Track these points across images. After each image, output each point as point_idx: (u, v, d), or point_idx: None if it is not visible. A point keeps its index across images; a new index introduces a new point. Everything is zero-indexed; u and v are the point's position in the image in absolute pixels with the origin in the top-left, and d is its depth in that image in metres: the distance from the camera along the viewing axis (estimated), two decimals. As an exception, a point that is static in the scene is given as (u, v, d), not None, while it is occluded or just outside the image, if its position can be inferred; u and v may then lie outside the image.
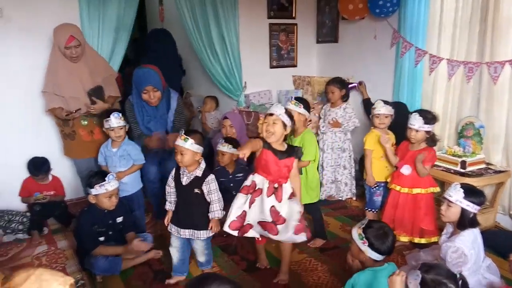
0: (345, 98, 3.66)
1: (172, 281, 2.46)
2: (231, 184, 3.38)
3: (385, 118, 2.97)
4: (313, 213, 2.87)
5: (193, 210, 2.36)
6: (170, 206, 2.44)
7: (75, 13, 3.37)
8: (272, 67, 4.60)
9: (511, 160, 3.01)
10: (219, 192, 2.38)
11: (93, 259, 2.45)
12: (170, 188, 2.42)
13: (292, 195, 2.33)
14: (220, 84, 4.34)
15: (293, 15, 4.56)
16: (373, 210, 3.12)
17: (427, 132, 2.67)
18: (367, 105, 3.74)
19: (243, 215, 2.35)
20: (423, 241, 2.71)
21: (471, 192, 2.10)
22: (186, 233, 2.38)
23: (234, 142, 3.28)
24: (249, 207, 2.34)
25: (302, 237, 2.31)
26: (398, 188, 2.78)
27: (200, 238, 2.38)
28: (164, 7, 4.83)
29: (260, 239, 2.50)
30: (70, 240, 3.02)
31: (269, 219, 2.28)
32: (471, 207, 2.08)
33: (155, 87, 2.88)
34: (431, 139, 2.71)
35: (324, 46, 4.67)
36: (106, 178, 2.48)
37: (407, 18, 3.51)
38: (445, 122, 3.38)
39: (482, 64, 3.10)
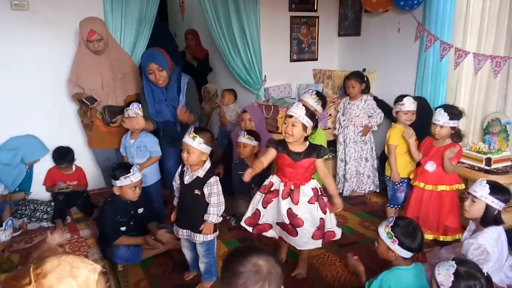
0: (366, 90, 3.61)
1: (188, 276, 2.48)
2: (250, 178, 3.39)
3: (412, 115, 2.90)
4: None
5: (191, 211, 2.25)
6: (176, 202, 2.39)
7: (99, 6, 3.42)
8: (292, 60, 4.57)
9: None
10: (221, 196, 2.24)
11: (115, 248, 2.51)
12: (176, 184, 2.35)
13: (314, 199, 2.27)
14: (240, 78, 4.33)
15: (315, 8, 4.50)
16: (395, 206, 3.07)
17: (452, 128, 2.60)
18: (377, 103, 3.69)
19: (257, 213, 2.39)
20: (448, 238, 2.67)
21: (497, 189, 2.06)
22: (184, 233, 2.31)
23: (255, 135, 3.29)
24: (263, 207, 2.37)
25: (317, 243, 2.31)
26: (422, 185, 2.72)
27: (195, 240, 2.27)
28: (185, 0, 4.84)
29: (277, 238, 2.48)
30: (92, 229, 3.10)
31: (287, 221, 2.28)
32: (496, 204, 2.04)
33: (159, 66, 2.79)
34: (457, 135, 2.65)
35: (346, 39, 4.60)
36: (131, 170, 2.53)
37: (432, 11, 3.42)
38: (470, 118, 3.29)
39: (510, 58, 2.99)
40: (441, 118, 2.58)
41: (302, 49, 4.60)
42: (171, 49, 4.14)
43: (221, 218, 2.29)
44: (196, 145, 2.14)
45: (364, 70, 4.07)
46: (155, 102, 2.95)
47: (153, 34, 3.76)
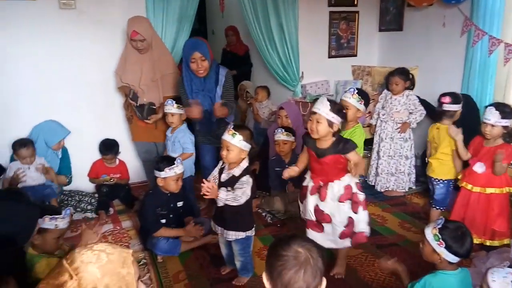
0: (411, 87, 3.50)
1: (224, 270, 2.50)
2: (287, 174, 3.38)
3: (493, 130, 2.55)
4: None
5: (224, 209, 2.19)
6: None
7: (141, 5, 3.51)
8: (330, 56, 4.50)
9: None
10: (243, 198, 2.13)
11: (155, 240, 2.58)
12: (214, 178, 2.27)
13: (344, 197, 2.20)
14: (277, 74, 4.32)
15: (355, 3, 4.41)
16: (440, 208, 2.97)
17: (504, 127, 2.46)
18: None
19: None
20: (495, 243, 2.54)
21: None
22: (218, 229, 2.31)
23: (292, 131, 3.28)
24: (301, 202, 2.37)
25: (346, 243, 2.27)
26: (469, 186, 2.59)
27: (227, 238, 2.26)
28: (224, -1, 4.88)
29: None
30: (133, 221, 3.21)
31: (313, 217, 2.26)
32: None
33: (202, 55, 2.82)
34: (509, 135, 2.50)
35: (387, 35, 4.47)
36: (175, 162, 2.60)
37: (481, 4, 3.26)
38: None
39: None
40: (492, 117, 2.44)
41: (341, 45, 4.52)
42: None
43: (226, 203, 2.13)
44: (235, 142, 2.11)
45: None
46: (192, 92, 2.98)
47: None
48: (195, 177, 3.24)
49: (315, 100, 3.98)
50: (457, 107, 2.82)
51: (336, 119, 2.12)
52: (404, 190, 3.58)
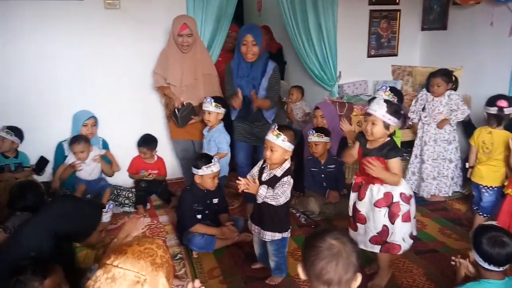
0: (454, 89, 3.37)
1: (255, 266, 2.52)
2: (322, 175, 3.36)
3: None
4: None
5: (263, 208, 2.19)
6: None
7: (182, 4, 3.58)
8: (369, 56, 4.40)
9: None
10: (283, 198, 2.12)
11: (191, 236, 2.63)
12: (252, 177, 2.24)
13: (383, 203, 2.13)
14: (314, 74, 4.27)
15: (397, 1, 4.28)
16: (483, 214, 2.84)
17: None
18: (468, 127, 3.42)
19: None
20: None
21: None
22: (255, 229, 2.31)
23: (325, 132, 3.24)
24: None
25: (375, 249, 2.21)
26: None
27: (264, 238, 2.26)
28: (262, -3, 4.90)
29: None
30: (170, 216, 3.28)
31: (350, 213, 2.27)
32: None
33: (254, 39, 2.87)
34: None
35: (430, 34, 4.32)
36: (212, 160, 2.65)
37: (534, 1, 3.07)
38: None
39: None
40: None
41: (381, 44, 4.41)
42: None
43: (265, 200, 2.12)
44: (280, 143, 2.09)
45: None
46: (237, 77, 3.02)
47: None
48: (228, 176, 3.29)
49: (353, 100, 3.95)
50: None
51: (392, 121, 2.07)
52: (446, 195, 3.45)
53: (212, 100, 3.04)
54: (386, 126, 2.07)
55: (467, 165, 2.95)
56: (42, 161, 3.42)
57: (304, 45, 4.13)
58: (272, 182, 2.17)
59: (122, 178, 3.66)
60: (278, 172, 2.17)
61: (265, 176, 2.23)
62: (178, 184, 3.82)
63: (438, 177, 3.42)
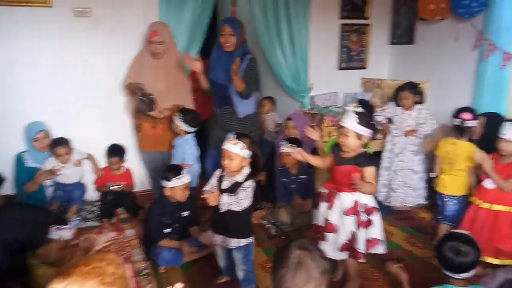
0: (421, 101, 3.47)
1: (221, 280, 2.47)
2: (293, 186, 3.36)
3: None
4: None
5: (226, 216, 2.18)
6: None
7: (155, 13, 3.52)
8: (340, 68, 4.48)
9: None
10: (246, 201, 2.15)
11: (158, 250, 2.57)
12: (211, 187, 2.25)
13: (352, 211, 2.19)
14: (286, 86, 4.30)
15: (367, 15, 4.40)
16: (447, 223, 2.90)
17: None
18: None
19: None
20: (495, 261, 2.47)
21: None
22: (219, 239, 2.29)
23: (297, 142, 3.25)
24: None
25: (343, 255, 2.25)
26: (478, 202, 2.57)
27: (230, 246, 2.25)
28: (236, 9, 4.90)
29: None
30: (137, 230, 3.16)
31: (322, 223, 2.28)
32: None
33: (232, 30, 3.01)
34: None
35: (398, 48, 4.45)
36: (182, 172, 2.61)
37: (494, 19, 3.22)
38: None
39: None
40: (508, 133, 2.42)
41: (351, 57, 4.50)
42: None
43: (229, 207, 2.12)
44: (238, 151, 2.13)
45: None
46: (216, 64, 3.13)
47: None
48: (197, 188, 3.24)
49: (324, 111, 3.99)
50: (476, 123, 2.82)
51: (365, 132, 2.13)
52: (412, 205, 3.52)
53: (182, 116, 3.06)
54: (359, 137, 2.14)
55: (431, 175, 3.03)
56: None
57: (277, 56, 4.16)
58: (234, 188, 2.18)
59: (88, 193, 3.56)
60: (240, 178, 2.19)
61: (226, 184, 2.23)
62: (146, 196, 3.73)
63: (405, 187, 3.49)
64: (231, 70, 2.93)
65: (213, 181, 2.32)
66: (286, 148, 3.21)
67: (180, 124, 3.07)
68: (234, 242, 2.25)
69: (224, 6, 5.60)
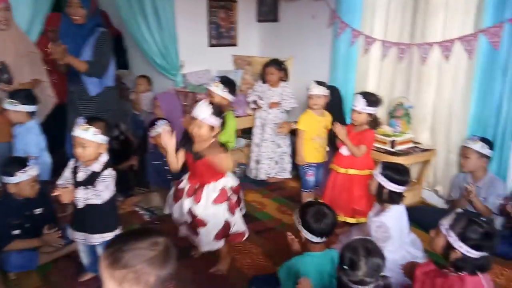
0: (284, 78, 3.63)
1: (84, 278, 2.28)
2: (166, 168, 3.24)
3: (317, 99, 2.95)
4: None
5: (86, 211, 1.99)
6: None
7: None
8: (211, 45, 4.43)
9: (437, 139, 3.13)
10: (108, 192, 1.98)
11: (6, 255, 2.24)
12: (64, 181, 2.05)
13: (220, 199, 2.18)
14: (155, 63, 4.11)
15: (233, -9, 4.40)
16: (308, 190, 3.13)
17: (370, 114, 2.69)
18: None
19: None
20: (352, 220, 2.76)
21: (388, 168, 2.20)
22: (79, 236, 2.12)
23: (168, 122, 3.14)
24: (174, 202, 2.30)
25: (220, 244, 2.25)
26: (336, 168, 2.81)
27: (92, 242, 2.08)
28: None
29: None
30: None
31: (189, 220, 2.22)
32: (385, 183, 2.17)
33: (80, 1, 2.73)
34: (374, 122, 2.74)
35: (265, 25, 4.57)
36: (28, 163, 2.29)
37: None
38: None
39: (413, 45, 3.16)
40: (358, 104, 2.66)
41: (221, 33, 4.48)
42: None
43: (87, 202, 1.95)
44: (91, 137, 1.93)
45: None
46: (64, 37, 2.83)
47: None
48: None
49: (197, 89, 3.92)
50: (322, 95, 2.99)
51: (216, 122, 2.13)
52: (283, 177, 3.72)
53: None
54: (211, 128, 2.13)
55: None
56: None
57: (142, 31, 3.92)
58: (92, 179, 1.99)
59: None
60: (97, 167, 2.01)
61: (81, 175, 2.02)
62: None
63: (268, 160, 3.66)
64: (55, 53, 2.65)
65: (67, 173, 2.09)
66: (157, 129, 3.07)
67: (17, 108, 2.63)
68: (97, 238, 2.08)
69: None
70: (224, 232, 2.22)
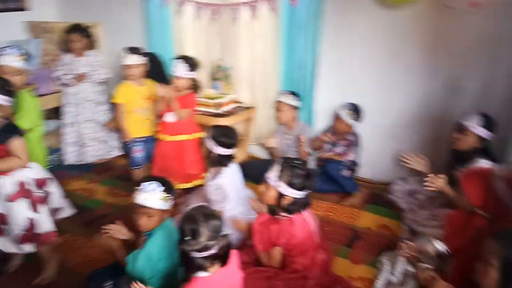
0: (92, 47, 3.22)
1: None
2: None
3: (133, 69, 2.73)
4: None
5: None
6: None
7: None
8: (-8, 10, 3.58)
9: (256, 97, 3.30)
10: None
11: None
12: None
13: (18, 195, 1.84)
14: None
15: None
16: (138, 167, 2.94)
17: (191, 79, 2.64)
18: None
19: None
20: (189, 185, 2.73)
21: (216, 133, 2.26)
22: None
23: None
24: None
25: (28, 248, 1.92)
26: (164, 137, 2.70)
27: None
28: None
29: None
30: None
31: None
32: (214, 147, 2.23)
33: None
34: (195, 86, 2.70)
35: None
36: None
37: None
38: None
39: (223, 6, 3.17)
40: (178, 70, 2.58)
41: (6, -5, 3.64)
42: None
43: None
44: None
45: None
46: None
47: None
48: None
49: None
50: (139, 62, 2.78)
51: (5, 102, 1.80)
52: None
53: None
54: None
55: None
56: None
57: None
58: None
59: None
60: None
61: None
62: None
63: (94, 140, 3.29)
64: None
65: None
66: None
67: None
68: None
69: None
70: (31, 233, 1.89)
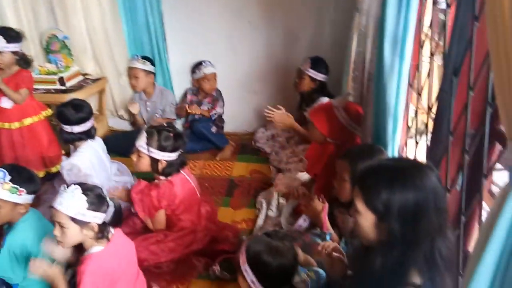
0: None
1: None
2: None
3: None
4: None
5: None
6: None
7: None
8: None
9: (104, 67, 3.07)
10: None
11: None
12: None
13: None
14: None
15: None
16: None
17: (15, 52, 2.27)
18: None
19: None
20: (54, 169, 2.48)
21: (62, 108, 2.09)
22: None
23: None
24: None
25: None
26: (7, 125, 2.36)
27: None
28: None
29: None
30: None
31: None
32: (63, 126, 2.08)
33: None
34: (24, 61, 2.34)
35: None
36: None
37: None
38: (27, 39, 2.94)
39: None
40: None
41: None
42: None
43: None
44: None
45: None
46: None
47: None
48: None
49: None
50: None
51: None
52: None
53: None
54: None
55: None
56: None
57: None
58: None
59: None
60: None
61: None
62: None
63: None
64: None
65: None
66: None
67: None
68: None
69: None
70: None
